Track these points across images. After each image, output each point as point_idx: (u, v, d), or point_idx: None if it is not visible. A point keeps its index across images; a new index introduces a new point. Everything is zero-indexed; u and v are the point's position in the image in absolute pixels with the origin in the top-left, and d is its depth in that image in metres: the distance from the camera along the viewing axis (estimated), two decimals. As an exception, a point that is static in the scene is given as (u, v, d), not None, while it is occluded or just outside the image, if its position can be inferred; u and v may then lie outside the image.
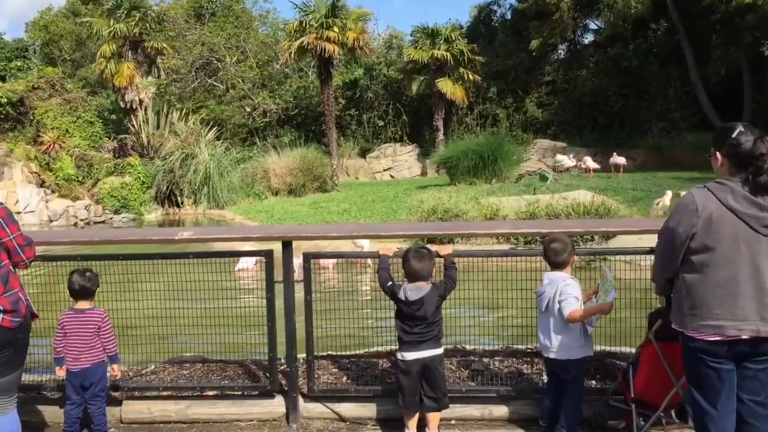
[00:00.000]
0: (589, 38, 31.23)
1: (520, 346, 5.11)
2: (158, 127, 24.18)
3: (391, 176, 28.67)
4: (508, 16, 33.44)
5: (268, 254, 4.68)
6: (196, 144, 22.73)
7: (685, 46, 26.75)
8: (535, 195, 13.96)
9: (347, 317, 4.71)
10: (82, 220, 20.96)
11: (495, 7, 34.76)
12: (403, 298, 4.11)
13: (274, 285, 4.65)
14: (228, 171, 23.09)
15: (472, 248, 10.46)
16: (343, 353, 5.25)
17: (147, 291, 4.85)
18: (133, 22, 25.81)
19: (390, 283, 4.23)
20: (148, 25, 26.41)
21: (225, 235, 4.75)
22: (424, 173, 28.66)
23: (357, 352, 5.38)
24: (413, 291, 4.11)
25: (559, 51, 31.26)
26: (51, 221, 20.54)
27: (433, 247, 4.39)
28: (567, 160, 21.24)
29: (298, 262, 4.58)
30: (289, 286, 4.67)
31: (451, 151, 21.31)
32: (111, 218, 21.51)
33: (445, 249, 4.51)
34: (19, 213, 20.42)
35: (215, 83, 28.48)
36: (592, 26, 30.82)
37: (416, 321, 4.12)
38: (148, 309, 4.84)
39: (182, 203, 22.77)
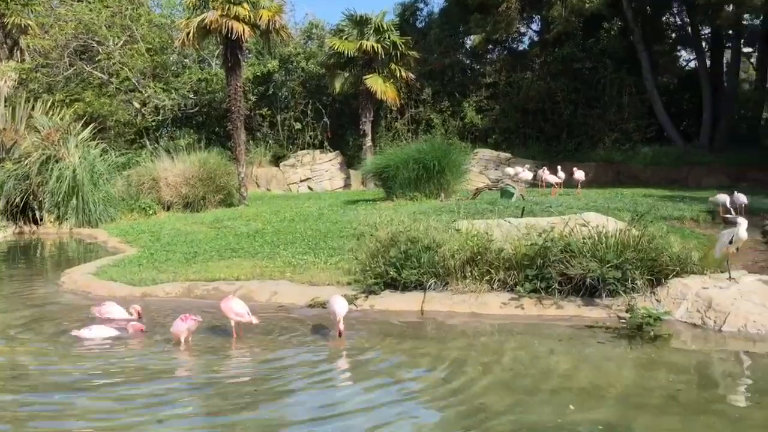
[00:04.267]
0: (535, 36, 28.15)
1: None
2: (13, 121, 18.91)
3: (310, 188, 24.48)
4: (436, 14, 29.93)
5: None
6: (62, 144, 17.72)
7: (641, 50, 24.07)
8: (523, 218, 10.15)
9: None
10: None
11: (421, 5, 31.15)
12: None
13: None
14: (105, 179, 18.20)
15: None
16: None
17: None
18: (-12, -9, 20.64)
19: None
20: (7, -6, 21.22)
21: None
22: (347, 185, 24.66)
23: None
24: None
25: (502, 50, 27.96)
26: None
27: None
28: (525, 173, 17.71)
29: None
30: None
31: (387, 160, 17.38)
32: (-64, 239, 16.07)
33: None
34: None
35: (95, 71, 23.33)
36: (537, 25, 27.78)
37: None
38: None
39: (42, 219, 17.66)
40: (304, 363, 5.89)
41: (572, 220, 8.50)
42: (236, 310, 6.66)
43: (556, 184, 17.18)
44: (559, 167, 18.01)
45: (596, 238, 7.92)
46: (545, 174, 17.47)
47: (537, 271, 7.77)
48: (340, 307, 6.55)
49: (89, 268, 10.68)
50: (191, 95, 24.74)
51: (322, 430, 4.42)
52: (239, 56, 19.13)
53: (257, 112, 25.37)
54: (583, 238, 7.98)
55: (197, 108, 24.87)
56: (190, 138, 23.23)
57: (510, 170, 19.17)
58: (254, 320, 6.65)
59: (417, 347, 6.28)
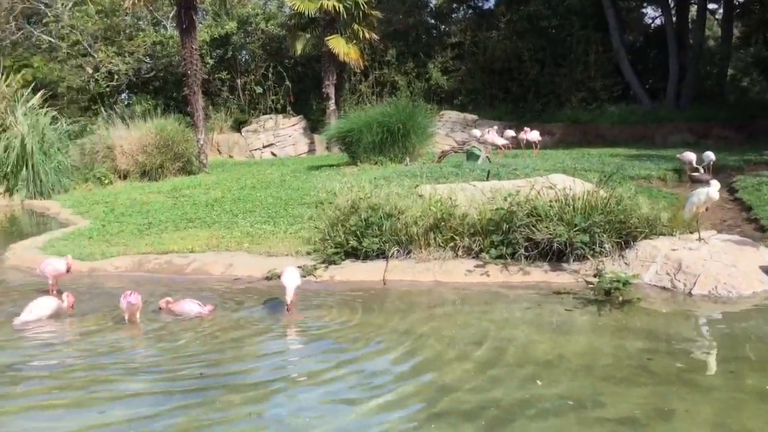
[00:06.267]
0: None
1: None
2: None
3: (273, 154, 23.87)
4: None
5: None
6: (9, 112, 16.89)
7: (607, 6, 23.72)
8: (489, 181, 9.85)
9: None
10: None
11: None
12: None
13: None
14: (57, 148, 17.46)
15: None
16: None
17: None
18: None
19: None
20: (-56, -46, 19.98)
21: None
22: (312, 150, 24.10)
23: None
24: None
25: (467, 9, 27.37)
26: None
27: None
28: (491, 134, 17.25)
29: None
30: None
31: (351, 123, 16.90)
32: None
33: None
34: None
35: (43, 35, 22.25)
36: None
37: None
38: None
39: (-9, 191, 16.92)
40: (252, 344, 5.55)
41: (538, 182, 8.22)
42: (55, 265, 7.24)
43: (503, 146, 16.44)
44: (507, 129, 17.51)
45: (563, 201, 7.66)
46: (491, 135, 16.63)
47: (502, 237, 7.50)
48: (289, 279, 6.23)
49: (36, 242, 10.14)
50: (147, 59, 23.82)
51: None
52: (194, 17, 18.33)
53: (216, 76, 24.56)
54: (550, 201, 7.72)
55: (153, 73, 23.97)
56: (147, 104, 22.38)
57: (476, 132, 18.74)
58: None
59: (378, 321, 5.96)
